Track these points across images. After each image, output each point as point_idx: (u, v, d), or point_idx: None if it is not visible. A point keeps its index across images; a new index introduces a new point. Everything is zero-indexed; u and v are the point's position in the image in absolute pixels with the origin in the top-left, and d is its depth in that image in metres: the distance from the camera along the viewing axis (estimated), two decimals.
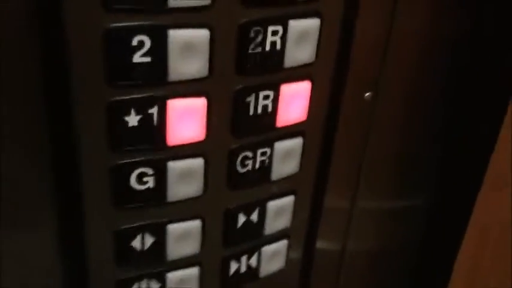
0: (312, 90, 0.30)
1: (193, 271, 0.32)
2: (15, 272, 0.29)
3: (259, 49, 0.27)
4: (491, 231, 0.36)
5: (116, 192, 0.28)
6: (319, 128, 0.32)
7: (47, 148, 0.26)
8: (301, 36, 0.28)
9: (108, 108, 0.25)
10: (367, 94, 0.35)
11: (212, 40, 0.26)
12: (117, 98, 0.25)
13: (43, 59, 0.24)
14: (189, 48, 0.25)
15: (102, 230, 0.29)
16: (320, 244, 0.39)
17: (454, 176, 0.40)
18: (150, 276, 0.31)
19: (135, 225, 0.29)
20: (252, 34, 0.26)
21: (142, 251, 0.30)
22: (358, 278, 0.44)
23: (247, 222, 0.32)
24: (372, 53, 0.34)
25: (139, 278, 0.31)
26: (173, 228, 0.30)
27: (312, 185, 0.34)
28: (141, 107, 0.26)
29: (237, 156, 0.30)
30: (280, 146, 0.31)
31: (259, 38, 0.27)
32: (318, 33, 0.29)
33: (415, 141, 0.39)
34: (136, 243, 0.29)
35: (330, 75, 0.31)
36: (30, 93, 0.25)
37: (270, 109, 0.29)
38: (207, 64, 0.26)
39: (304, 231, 0.36)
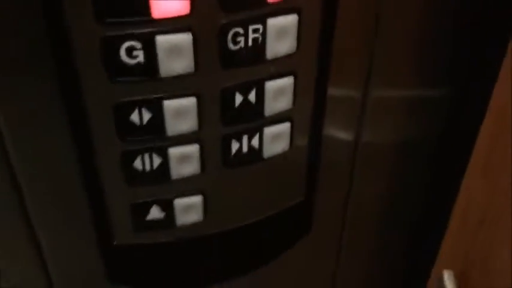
0: None
1: (194, 148, 0.34)
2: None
3: None
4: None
5: (108, 66, 0.29)
6: (316, 5, 0.32)
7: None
8: None
9: None
10: None
11: None
12: None
13: None
14: None
15: (101, 103, 0.31)
16: (331, 132, 0.39)
17: (474, 64, 0.38)
18: (152, 150, 0.33)
19: (131, 99, 0.31)
20: None
21: (141, 125, 0.32)
22: (374, 170, 0.44)
23: (245, 101, 0.33)
24: None
25: (142, 151, 0.33)
26: (169, 104, 0.31)
27: (313, 66, 0.34)
28: None
29: (227, 32, 0.30)
30: (273, 22, 0.30)
31: None
32: None
33: (435, 22, 0.37)
34: (134, 117, 0.31)
35: None
36: None
37: None
38: None
39: (309, 115, 0.36)
